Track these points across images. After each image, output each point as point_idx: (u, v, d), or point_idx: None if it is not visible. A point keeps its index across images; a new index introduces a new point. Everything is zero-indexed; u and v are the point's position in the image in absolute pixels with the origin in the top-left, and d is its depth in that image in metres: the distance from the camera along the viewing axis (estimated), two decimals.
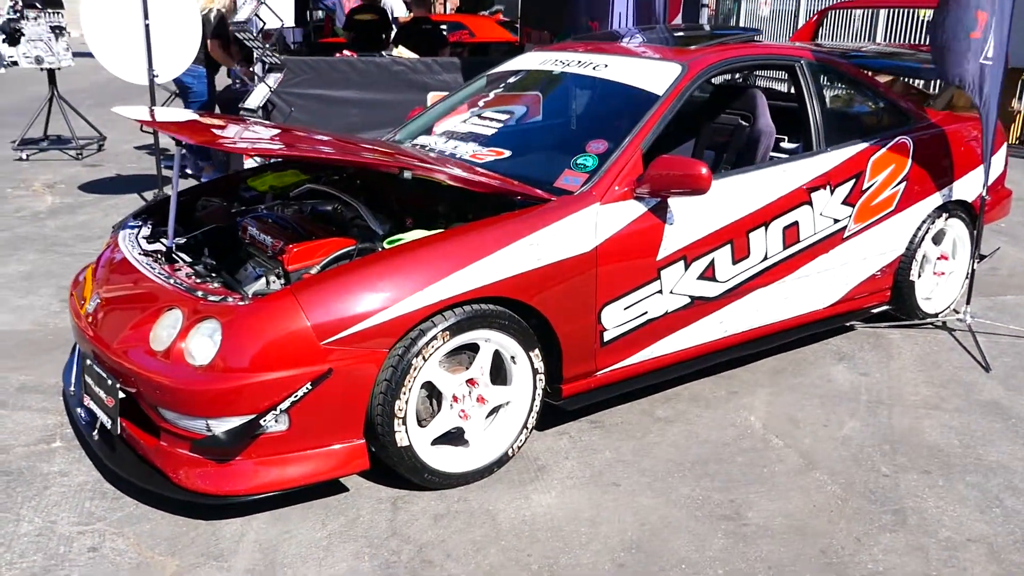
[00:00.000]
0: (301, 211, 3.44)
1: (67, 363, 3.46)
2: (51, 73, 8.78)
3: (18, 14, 8.58)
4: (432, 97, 6.37)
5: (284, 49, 7.79)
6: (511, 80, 4.16)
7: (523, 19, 12.58)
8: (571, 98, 3.87)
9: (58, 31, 8.66)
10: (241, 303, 2.65)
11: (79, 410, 3.05)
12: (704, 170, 3.09)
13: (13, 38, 8.61)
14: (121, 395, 2.70)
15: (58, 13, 8.78)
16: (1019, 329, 4.38)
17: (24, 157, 8.61)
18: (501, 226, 2.91)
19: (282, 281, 2.92)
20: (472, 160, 3.50)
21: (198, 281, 2.87)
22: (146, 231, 3.47)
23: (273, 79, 5.71)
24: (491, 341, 2.90)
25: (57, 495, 2.81)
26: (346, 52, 6.67)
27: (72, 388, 3.20)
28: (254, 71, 5.81)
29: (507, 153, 3.49)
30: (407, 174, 2.90)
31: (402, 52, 6.56)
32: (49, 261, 5.33)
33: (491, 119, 3.81)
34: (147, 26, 5.95)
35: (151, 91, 6.15)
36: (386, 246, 2.91)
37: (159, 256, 3.14)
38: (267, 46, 5.65)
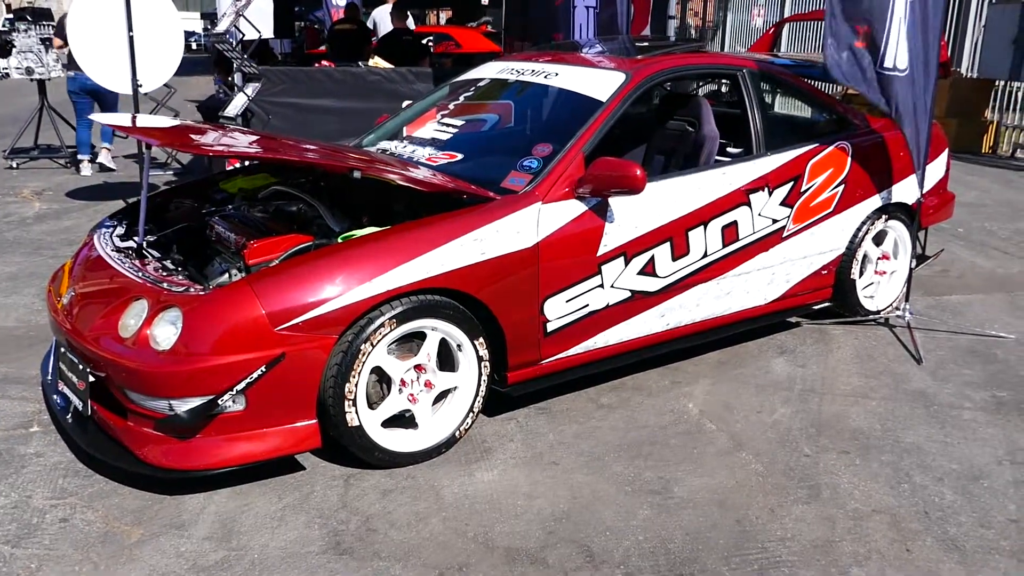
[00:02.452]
0: (266, 211, 3.66)
1: (45, 356, 3.67)
2: (41, 84, 9.02)
3: (9, 26, 8.82)
4: (406, 105, 6.61)
5: (267, 60, 8.04)
6: (471, 88, 4.39)
7: (506, 30, 12.83)
8: (523, 105, 4.10)
9: (48, 43, 8.90)
10: (202, 293, 2.87)
11: (55, 396, 3.26)
12: (638, 171, 3.32)
13: (4, 50, 8.84)
14: (91, 379, 2.91)
15: (48, 25, 9.02)
16: (958, 326, 4.61)
17: (14, 166, 8.84)
18: (447, 222, 3.14)
19: (243, 274, 3.14)
20: (427, 163, 3.73)
21: (164, 274, 3.09)
22: (120, 230, 3.69)
23: (251, 88, 5.94)
24: (437, 330, 3.12)
25: (33, 473, 3.02)
26: (324, 62, 6.91)
27: (49, 377, 3.41)
28: (233, 80, 6.05)
29: (459, 156, 3.72)
30: (356, 174, 3.13)
31: (378, 62, 6.81)
32: (34, 264, 5.54)
33: (449, 125, 4.05)
34: (131, 37, 6.18)
35: (135, 100, 6.37)
36: (340, 241, 3.13)
37: (130, 252, 3.36)
38: (244, 57, 5.89)
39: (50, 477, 3.00)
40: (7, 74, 8.77)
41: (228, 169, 7.23)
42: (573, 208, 3.41)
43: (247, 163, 6.32)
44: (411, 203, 3.47)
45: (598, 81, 3.82)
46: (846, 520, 2.82)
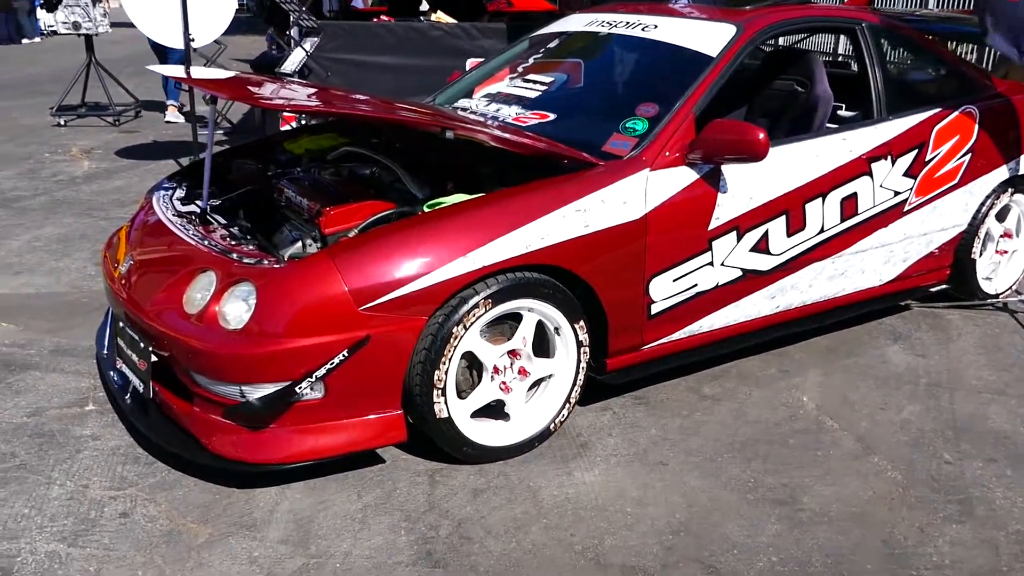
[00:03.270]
0: (338, 174, 3.33)
1: (100, 326, 3.40)
2: (88, 39, 8.75)
3: None
4: (471, 63, 6.22)
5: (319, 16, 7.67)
6: (555, 43, 4.00)
7: None
8: (618, 60, 3.70)
9: None
10: (276, 266, 2.54)
11: (112, 373, 2.98)
12: (761, 135, 2.92)
13: (51, 4, 8.59)
14: (154, 359, 2.62)
15: None
16: None
17: (62, 123, 8.62)
18: (547, 190, 2.78)
19: (319, 244, 2.81)
20: (515, 123, 3.36)
21: (233, 243, 2.77)
22: (180, 193, 3.38)
23: (310, 43, 5.60)
24: (534, 311, 2.78)
25: (89, 459, 2.75)
26: (383, 17, 6.53)
27: (105, 351, 3.14)
28: (290, 35, 5.70)
29: (552, 116, 3.34)
30: (449, 134, 2.77)
31: (440, 17, 6.41)
32: (85, 225, 5.29)
33: (534, 82, 3.66)
34: None
35: (187, 55, 6.06)
36: (426, 210, 2.79)
37: (193, 218, 3.05)
38: (304, 9, 5.53)
39: (108, 464, 2.72)
40: (54, 31, 8.55)
41: (284, 128, 6.95)
42: (683, 176, 3.02)
43: (306, 121, 6.00)
44: (499, 168, 3.12)
45: (706, 34, 3.40)
46: (1010, 544, 2.44)
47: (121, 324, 2.82)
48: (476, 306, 2.60)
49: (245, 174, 3.46)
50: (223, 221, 3.05)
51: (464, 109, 3.69)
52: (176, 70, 3.29)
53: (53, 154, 7.37)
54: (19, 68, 13.68)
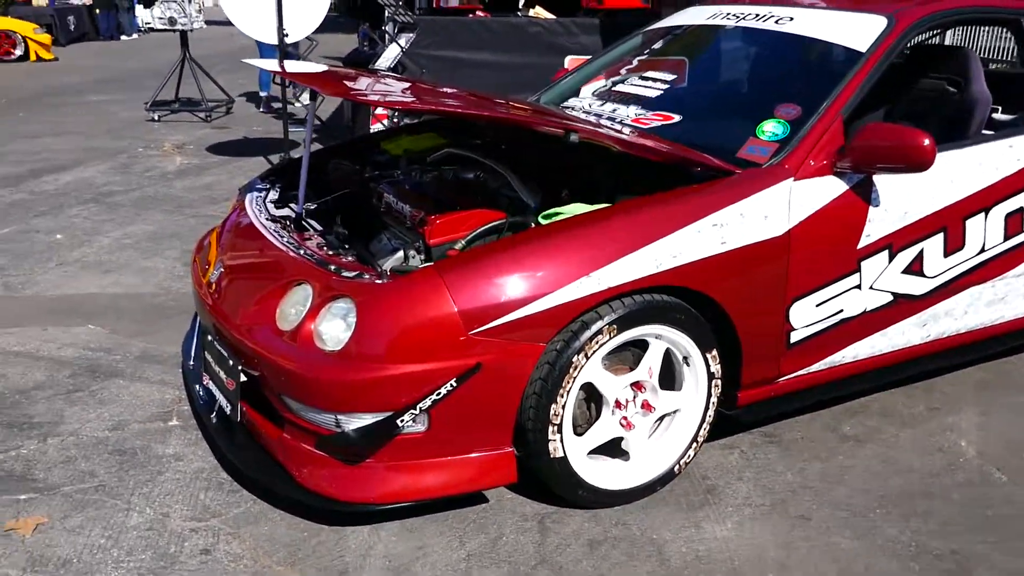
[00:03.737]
0: (442, 178, 3.06)
1: (187, 333, 3.22)
2: (183, 35, 8.78)
3: None
4: (570, 61, 5.92)
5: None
6: (673, 38, 3.66)
7: None
8: (750, 56, 3.34)
9: None
10: (379, 281, 2.28)
11: (197, 387, 2.79)
12: (927, 141, 2.53)
13: (149, 0, 8.64)
14: (243, 378, 2.40)
15: None
16: None
17: (156, 118, 8.67)
18: (680, 202, 2.45)
19: (422, 257, 2.55)
20: (635, 125, 3.04)
21: (330, 253, 2.53)
22: (274, 195, 3.17)
23: (405, 39, 5.38)
24: (662, 338, 2.45)
25: (171, 482, 2.55)
26: (479, 12, 6.28)
27: (191, 362, 2.95)
28: (384, 31, 5.49)
29: (677, 118, 3.00)
30: (574, 137, 2.47)
31: (539, 12, 6.13)
32: (175, 223, 5.19)
33: (653, 80, 3.33)
34: None
35: (281, 50, 5.92)
36: (542, 221, 2.50)
37: (288, 223, 2.83)
38: (400, 4, 5.31)
39: (190, 490, 2.52)
40: (151, 27, 8.62)
41: (375, 127, 6.79)
42: (831, 186, 2.65)
43: (398, 120, 5.80)
44: (618, 174, 2.81)
45: (852, 27, 3.01)
46: None
47: (209, 337, 2.61)
48: (600, 332, 2.29)
49: (341, 176, 3.23)
50: (319, 227, 2.82)
51: (575, 109, 3.39)
52: (271, 63, 3.09)
53: (147, 149, 7.37)
54: (119, 63, 13.99)
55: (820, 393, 2.87)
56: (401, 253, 2.65)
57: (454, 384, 2.18)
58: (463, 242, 2.53)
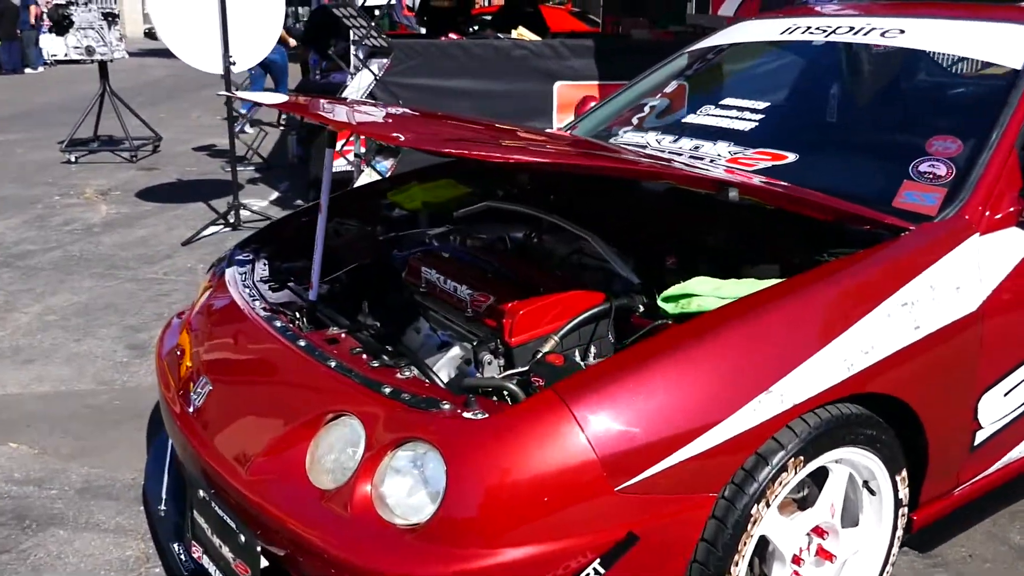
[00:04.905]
0: (496, 244, 2.36)
1: (150, 456, 2.42)
2: (103, 66, 7.82)
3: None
4: (560, 87, 5.30)
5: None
6: (738, 56, 3.05)
7: (606, 8, 11.51)
8: (862, 78, 2.75)
9: (111, 19, 7.71)
10: (469, 415, 1.55)
11: (176, 548, 2.00)
12: None
13: (61, 27, 7.66)
14: (264, 562, 1.63)
15: None
16: None
17: (72, 160, 7.67)
18: (858, 276, 1.80)
19: (500, 361, 1.84)
20: (738, 166, 2.39)
21: (375, 364, 1.78)
22: (262, 269, 2.41)
23: (377, 65, 4.66)
24: (843, 462, 1.80)
25: None
26: (452, 35, 5.61)
27: (161, 507, 2.15)
28: (358, 56, 4.76)
29: (791, 156, 2.36)
30: (733, 194, 1.80)
31: (523, 33, 5.49)
32: (108, 290, 4.31)
33: (738, 108, 2.69)
34: (223, 2, 4.91)
35: (226, 81, 5.12)
36: (667, 308, 1.81)
37: (296, 314, 2.07)
38: (372, 25, 4.60)
39: None
40: (59, 60, 7.65)
41: (338, 165, 6.01)
42: (1018, 241, 2.05)
43: (366, 160, 5.06)
44: (723, 230, 2.16)
45: (995, 40, 2.43)
46: None
47: (203, 494, 1.82)
48: (784, 468, 1.62)
49: (349, 242, 2.49)
50: (339, 319, 2.07)
51: (638, 145, 2.72)
52: (265, 97, 2.36)
53: (64, 196, 6.41)
54: (25, 99, 12.76)
55: (995, 500, 2.26)
56: (455, 352, 1.94)
57: (599, 569, 1.47)
58: (556, 338, 1.83)
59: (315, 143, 6.30)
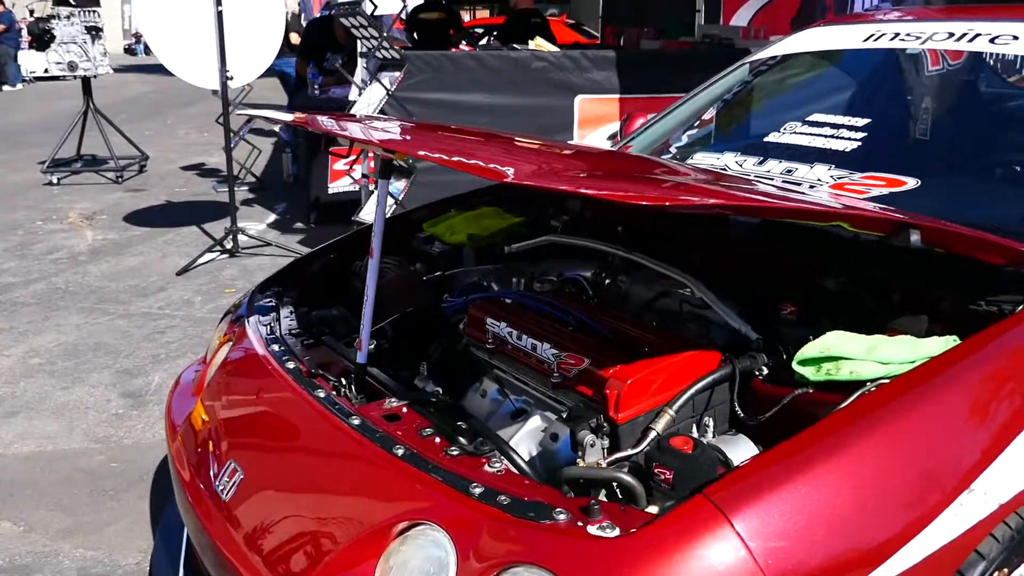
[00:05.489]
0: (560, 286, 2.02)
1: (158, 544, 2.04)
2: (86, 82, 7.44)
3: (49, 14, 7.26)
4: (581, 101, 4.97)
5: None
6: (813, 67, 2.73)
7: (606, 18, 11.26)
8: (971, 90, 2.42)
9: (94, 33, 7.33)
10: (595, 529, 1.19)
11: None
12: None
13: (42, 41, 7.27)
14: None
15: (94, 12, 7.45)
16: None
17: (55, 181, 7.27)
18: None
19: (604, 442, 1.48)
20: (841, 192, 2.05)
21: (454, 452, 1.42)
22: (289, 319, 2.04)
23: (389, 79, 4.31)
24: None
25: None
26: (464, 46, 5.28)
27: None
28: (367, 68, 4.42)
29: (912, 182, 2.02)
30: (915, 237, 1.45)
31: (541, 44, 5.17)
32: (99, 327, 3.93)
33: (827, 126, 2.36)
34: (219, 13, 4.56)
35: (223, 97, 4.75)
36: (804, 372, 1.47)
37: (342, 380, 1.71)
38: (383, 36, 4.25)
39: None
40: (36, 77, 7.25)
41: (335, 187, 5.68)
42: None
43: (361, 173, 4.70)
44: (850, 272, 1.82)
45: None
46: None
47: None
48: None
49: (389, 284, 2.13)
50: (400, 388, 1.70)
51: (720, 169, 2.39)
52: (274, 113, 2.01)
53: (47, 221, 6.01)
54: (2, 117, 12.32)
55: None
56: (535, 423, 1.59)
57: None
58: (671, 412, 1.49)
59: (314, 161, 5.94)
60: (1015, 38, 2.28)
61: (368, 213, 4.54)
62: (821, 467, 1.21)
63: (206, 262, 4.88)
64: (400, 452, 1.41)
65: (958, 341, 1.45)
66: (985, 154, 2.18)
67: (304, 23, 9.16)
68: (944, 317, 1.57)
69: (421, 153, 1.51)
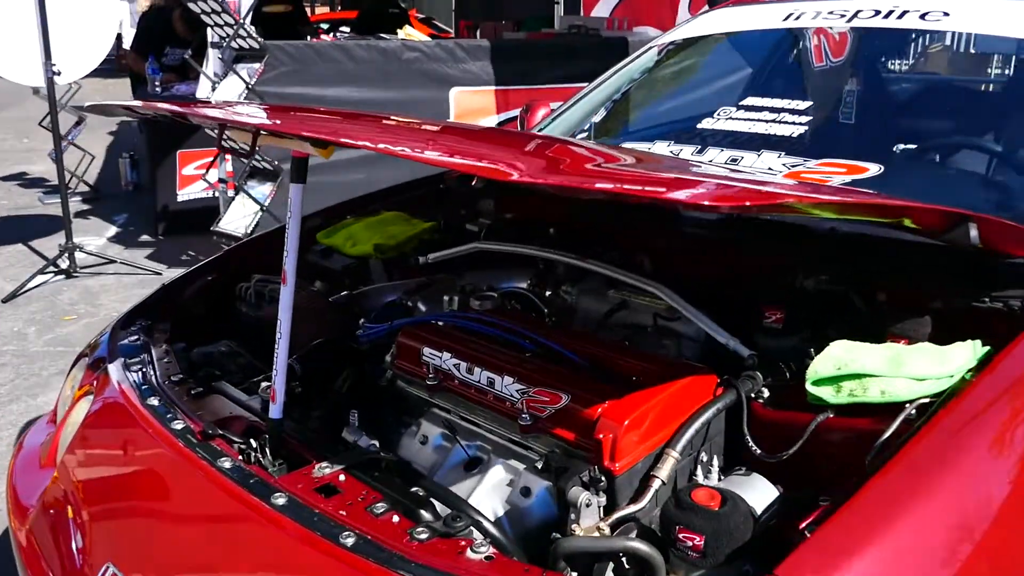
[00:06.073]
0: (511, 300, 1.72)
1: None
2: None
3: None
4: (457, 93, 4.67)
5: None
6: (732, 50, 2.55)
7: (459, 12, 11.09)
8: (920, 71, 2.29)
9: None
10: None
11: None
12: None
13: None
14: None
15: None
16: None
17: None
18: None
19: (602, 500, 1.20)
20: (805, 180, 1.86)
21: (422, 536, 1.09)
22: (165, 360, 1.64)
23: (247, 71, 3.86)
24: None
25: None
26: (324, 36, 4.87)
27: None
28: (222, 59, 3.93)
29: (874, 168, 1.85)
30: (974, 232, 1.23)
31: (411, 34, 4.83)
32: None
33: (766, 110, 2.17)
34: (42, 3, 3.94)
35: (50, 94, 4.13)
36: (823, 396, 1.24)
37: (251, 442, 1.33)
38: (240, 23, 3.79)
39: None
40: None
41: (184, 194, 5.16)
42: None
43: (241, 176, 4.20)
44: (829, 268, 1.62)
45: None
46: None
47: None
48: None
49: (309, 310, 1.76)
50: (325, 448, 1.34)
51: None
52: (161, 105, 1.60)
53: None
54: None
55: None
56: (497, 476, 1.30)
57: None
58: (675, 455, 1.23)
59: (159, 166, 5.33)
60: (946, 14, 2.17)
61: (230, 223, 4.06)
62: (907, 521, 0.98)
63: (37, 285, 4.23)
64: (350, 542, 1.07)
65: (983, 347, 1.27)
66: (946, 135, 2.05)
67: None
68: (947, 317, 1.39)
69: (381, 146, 1.17)
